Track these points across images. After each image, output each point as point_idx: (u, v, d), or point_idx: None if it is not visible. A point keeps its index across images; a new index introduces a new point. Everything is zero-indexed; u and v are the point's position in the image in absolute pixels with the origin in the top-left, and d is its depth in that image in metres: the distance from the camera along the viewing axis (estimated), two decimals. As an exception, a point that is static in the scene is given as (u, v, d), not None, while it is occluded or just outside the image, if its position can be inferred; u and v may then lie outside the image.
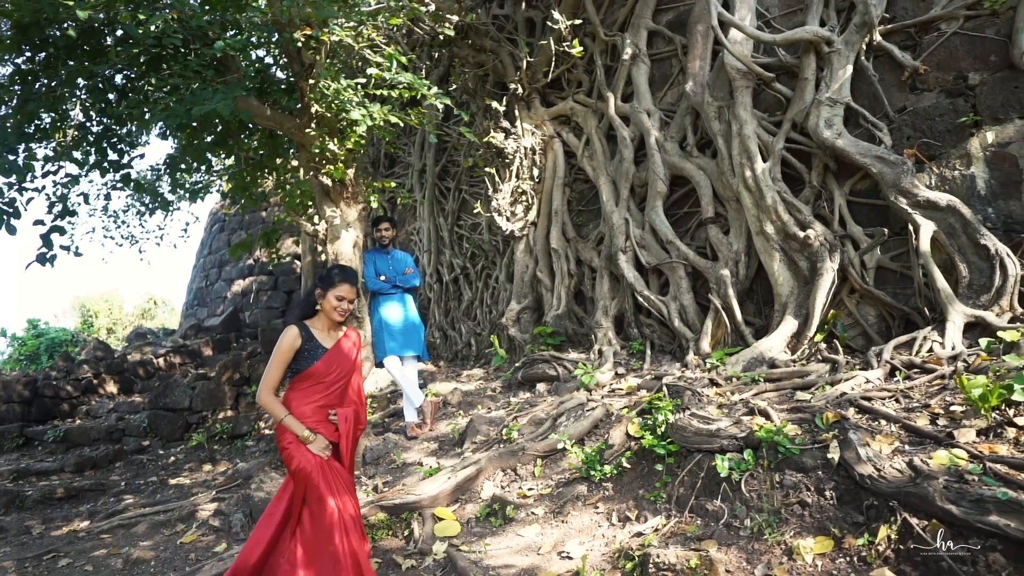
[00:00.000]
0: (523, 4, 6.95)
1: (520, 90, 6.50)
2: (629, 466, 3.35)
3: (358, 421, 2.77)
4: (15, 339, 15.56)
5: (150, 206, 5.35)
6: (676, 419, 3.15)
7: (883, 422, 2.84)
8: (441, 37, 5.75)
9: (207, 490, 5.43)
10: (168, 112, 3.91)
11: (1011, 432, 2.49)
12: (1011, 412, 2.62)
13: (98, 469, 6.65)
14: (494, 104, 6.34)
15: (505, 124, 6.54)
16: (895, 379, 3.40)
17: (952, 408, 2.83)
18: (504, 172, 6.65)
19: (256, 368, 7.45)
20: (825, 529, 2.34)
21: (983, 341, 3.34)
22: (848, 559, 2.20)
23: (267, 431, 6.75)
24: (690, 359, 4.67)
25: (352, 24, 4.62)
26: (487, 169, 6.64)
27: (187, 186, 5.16)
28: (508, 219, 6.58)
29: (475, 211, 7.01)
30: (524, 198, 6.55)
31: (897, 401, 3.11)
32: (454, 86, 7.26)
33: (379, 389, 6.77)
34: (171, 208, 5.51)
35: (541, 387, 5.26)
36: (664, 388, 3.85)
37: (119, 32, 4.23)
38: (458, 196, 7.89)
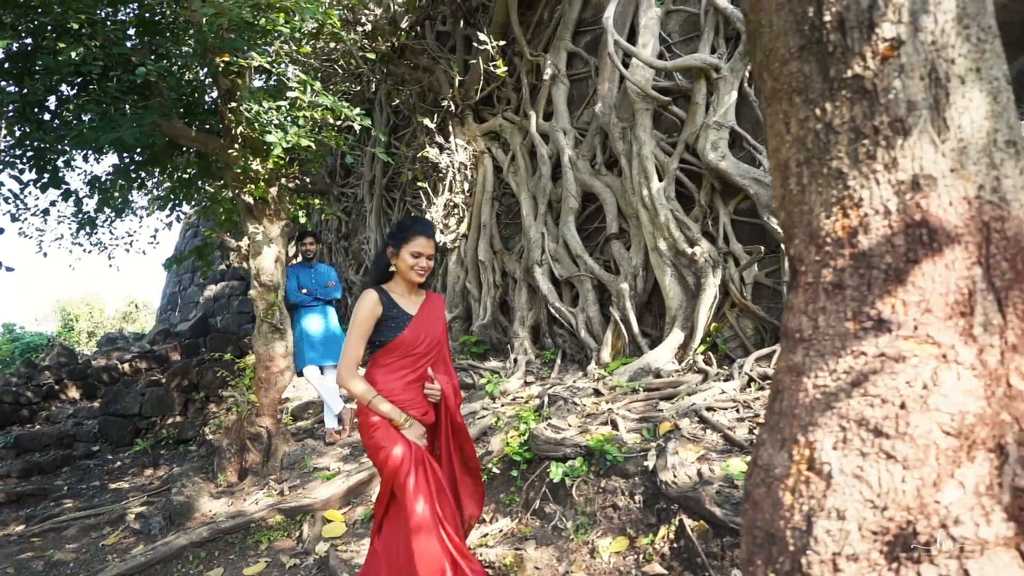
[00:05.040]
0: (461, 22, 7.20)
1: (453, 107, 6.76)
2: (498, 471, 3.60)
3: (456, 394, 2.36)
4: (-11, 344, 15.70)
5: (77, 222, 5.57)
6: (533, 428, 3.41)
7: (710, 431, 3.10)
8: (373, 56, 6.00)
9: (141, 494, 5.66)
10: (80, 138, 4.13)
11: (803, 441, 2.75)
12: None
13: (45, 474, 6.86)
14: (426, 121, 6.59)
15: (440, 140, 6.79)
16: (749, 390, 3.67)
17: (773, 418, 3.09)
18: (439, 186, 6.90)
19: (204, 375, 7.66)
20: (625, 530, 2.60)
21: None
22: (636, 556, 2.45)
23: (209, 436, 6.96)
24: (591, 369, 4.92)
25: (270, 51, 4.85)
26: (420, 184, 6.90)
27: (113, 204, 5.38)
28: (442, 231, 6.83)
29: (412, 223, 7.25)
30: (456, 211, 6.80)
31: (737, 411, 3.37)
32: (396, 101, 7.52)
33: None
34: (97, 226, 5.72)
35: (459, 394, 5.50)
36: (546, 397, 4.10)
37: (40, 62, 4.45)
38: (403, 207, 8.14)
